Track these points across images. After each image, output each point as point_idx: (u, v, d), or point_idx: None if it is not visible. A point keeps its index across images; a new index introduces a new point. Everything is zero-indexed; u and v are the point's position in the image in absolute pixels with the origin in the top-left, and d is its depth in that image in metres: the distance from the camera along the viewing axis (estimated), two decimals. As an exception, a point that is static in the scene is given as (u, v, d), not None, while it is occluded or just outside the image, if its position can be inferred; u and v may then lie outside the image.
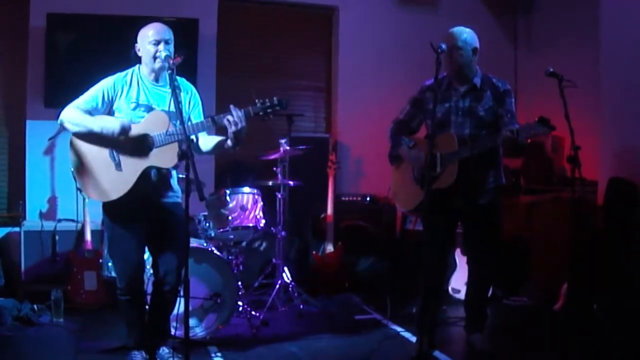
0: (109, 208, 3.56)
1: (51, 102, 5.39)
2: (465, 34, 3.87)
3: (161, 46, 3.46)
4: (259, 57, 6.46)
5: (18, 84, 5.67)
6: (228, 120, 3.34)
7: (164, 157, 3.41)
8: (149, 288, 3.78)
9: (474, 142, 3.79)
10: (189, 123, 3.55)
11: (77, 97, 3.50)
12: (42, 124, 5.55)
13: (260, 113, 3.39)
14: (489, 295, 4.28)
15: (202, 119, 3.65)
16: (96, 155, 3.45)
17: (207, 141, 3.63)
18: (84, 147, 3.48)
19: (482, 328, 4.17)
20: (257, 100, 3.40)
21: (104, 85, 3.51)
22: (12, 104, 5.74)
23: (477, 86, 3.91)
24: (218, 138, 3.57)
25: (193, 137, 3.57)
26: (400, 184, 4.14)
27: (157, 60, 3.46)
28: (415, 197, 3.99)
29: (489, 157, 3.87)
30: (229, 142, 3.44)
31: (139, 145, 3.43)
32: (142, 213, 3.54)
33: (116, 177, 3.43)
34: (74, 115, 3.43)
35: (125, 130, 3.38)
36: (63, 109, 3.47)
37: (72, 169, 3.55)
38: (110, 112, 3.53)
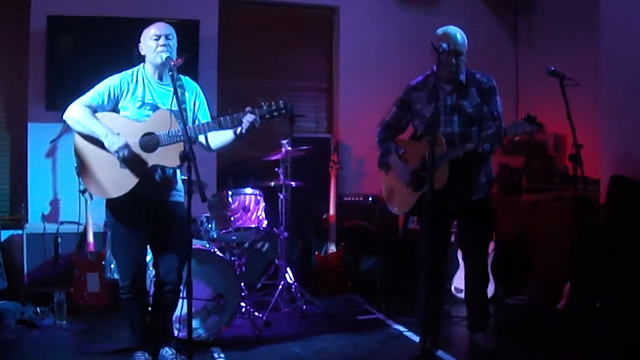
0: (113, 206, 3.57)
1: (53, 105, 5.39)
2: (460, 34, 3.86)
3: (162, 40, 3.48)
4: (260, 58, 6.46)
5: (19, 86, 5.67)
6: (243, 121, 3.37)
7: (168, 156, 3.42)
8: (151, 289, 3.78)
9: (460, 145, 3.78)
10: (196, 123, 3.57)
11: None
12: (43, 127, 5.57)
13: (267, 116, 3.41)
14: (488, 291, 4.29)
15: (208, 116, 3.67)
16: (100, 153, 3.45)
17: (215, 137, 3.63)
18: (88, 145, 3.48)
19: (485, 327, 4.16)
20: (263, 103, 3.41)
21: (111, 82, 3.52)
22: (13, 106, 5.74)
23: (463, 83, 3.91)
24: (227, 134, 3.56)
25: (202, 136, 3.58)
26: (392, 188, 4.16)
27: (158, 55, 3.47)
28: (410, 199, 4.01)
29: (479, 155, 3.87)
30: (239, 130, 3.43)
31: (144, 144, 3.44)
32: (145, 211, 3.56)
33: (120, 175, 3.44)
34: (80, 115, 3.43)
35: (124, 150, 3.37)
36: (67, 107, 3.47)
37: (76, 166, 3.55)
38: (116, 110, 3.54)
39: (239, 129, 3.42)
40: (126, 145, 3.38)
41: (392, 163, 4.08)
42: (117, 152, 3.37)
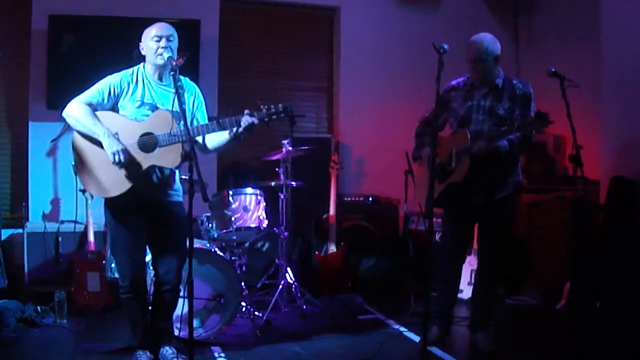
0: (112, 205, 3.56)
1: (54, 104, 5.39)
2: (486, 43, 3.97)
3: (163, 42, 3.47)
4: (260, 57, 6.47)
5: (21, 85, 5.67)
6: (242, 123, 3.38)
7: (167, 157, 3.42)
8: (151, 289, 3.79)
9: (475, 142, 3.91)
10: (195, 124, 3.57)
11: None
12: (44, 126, 5.57)
13: (266, 119, 3.41)
14: (495, 291, 4.34)
15: (206, 117, 3.67)
16: (99, 151, 3.43)
17: (212, 137, 3.63)
18: (87, 143, 3.47)
19: (486, 326, 4.19)
20: (262, 106, 3.41)
21: (111, 80, 3.52)
22: (14, 105, 5.74)
23: (499, 86, 4.02)
24: (224, 134, 3.57)
25: (199, 137, 3.58)
26: (422, 180, 4.29)
27: (159, 57, 3.47)
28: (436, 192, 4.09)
29: (497, 152, 3.93)
30: (236, 129, 3.44)
31: (143, 144, 3.44)
32: (143, 211, 3.55)
33: (118, 174, 3.42)
34: (79, 113, 3.41)
35: (120, 155, 3.36)
36: (67, 103, 3.46)
37: (73, 164, 3.54)
38: (115, 109, 3.53)
39: (235, 129, 3.43)
40: (123, 151, 3.36)
41: (423, 156, 4.21)
42: (113, 155, 3.36)
